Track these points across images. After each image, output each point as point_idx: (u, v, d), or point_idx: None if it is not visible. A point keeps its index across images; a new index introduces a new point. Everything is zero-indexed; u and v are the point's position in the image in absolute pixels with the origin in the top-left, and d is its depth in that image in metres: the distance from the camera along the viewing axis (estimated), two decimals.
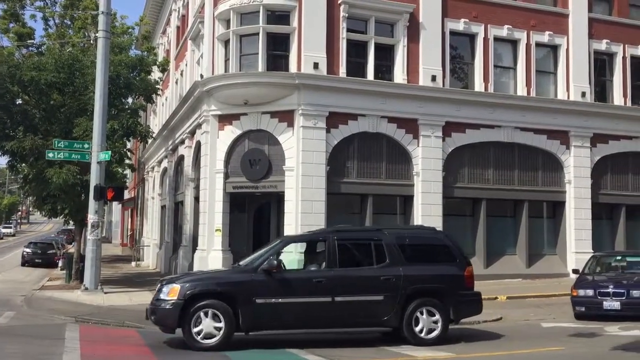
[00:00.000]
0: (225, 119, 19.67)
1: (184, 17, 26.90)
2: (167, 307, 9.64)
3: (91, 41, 21.93)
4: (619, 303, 12.94)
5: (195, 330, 9.53)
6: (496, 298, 17.09)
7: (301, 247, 11.19)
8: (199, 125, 20.57)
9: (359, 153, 19.77)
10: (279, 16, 19.64)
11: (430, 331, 10.31)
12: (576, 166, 21.86)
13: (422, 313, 10.29)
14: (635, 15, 23.77)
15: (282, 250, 10.41)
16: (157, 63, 24.31)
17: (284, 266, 10.24)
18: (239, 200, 20.21)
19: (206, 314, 9.55)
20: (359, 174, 19.71)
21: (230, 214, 19.59)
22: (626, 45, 23.16)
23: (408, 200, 20.23)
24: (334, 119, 19.18)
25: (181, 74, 26.48)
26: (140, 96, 22.57)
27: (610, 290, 13.18)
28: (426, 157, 20.05)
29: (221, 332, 9.54)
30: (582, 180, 21.88)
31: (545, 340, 11.14)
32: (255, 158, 19.28)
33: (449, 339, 10.68)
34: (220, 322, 9.55)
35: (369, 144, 19.85)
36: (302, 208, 18.50)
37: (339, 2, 19.50)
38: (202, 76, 20.40)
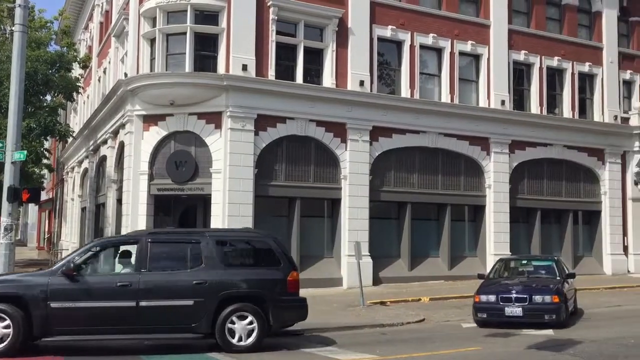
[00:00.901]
0: (150, 120, 19.18)
1: (108, 12, 26.03)
2: None
3: (7, 35, 20.85)
4: (521, 309, 12.57)
5: None
6: (420, 299, 17.52)
7: (115, 249, 10.68)
8: (123, 126, 19.96)
9: (288, 156, 19.76)
10: (207, 16, 19.35)
11: (245, 338, 9.89)
12: (496, 171, 22.75)
13: (237, 319, 9.90)
14: (551, 28, 25.01)
15: (93, 252, 10.10)
16: (78, 60, 23.42)
17: (88, 268, 9.91)
18: (164, 203, 19.74)
19: None
20: (287, 177, 19.70)
21: (155, 217, 19.10)
22: (543, 57, 24.32)
23: (336, 203, 20.40)
24: (262, 122, 19.08)
25: (104, 72, 25.60)
26: (59, 94, 21.67)
27: (513, 295, 12.78)
28: (354, 161, 20.29)
29: (9, 337, 9.19)
30: (501, 185, 22.79)
31: (465, 340, 11.50)
32: (182, 160, 18.90)
33: (367, 342, 10.81)
34: (9, 328, 9.21)
35: (298, 147, 19.88)
36: (230, 211, 18.30)
37: (268, 4, 19.43)
38: (126, 75, 19.81)
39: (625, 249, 25.54)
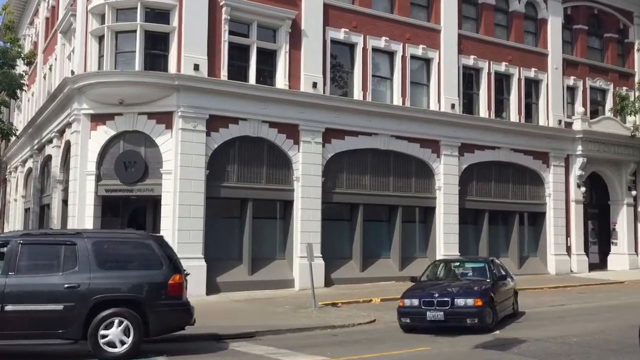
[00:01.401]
0: (98, 119, 18.72)
1: (54, 8, 25.29)
2: None
3: None
4: (442, 313, 12.23)
5: None
6: (371, 300, 17.70)
7: None
8: (69, 124, 19.41)
9: (240, 157, 19.62)
10: (158, 14, 19.03)
11: (119, 345, 9.53)
12: (446, 174, 23.17)
13: (111, 325, 9.54)
14: (499, 34, 25.65)
15: None
16: (23, 56, 22.64)
17: None
18: (112, 204, 19.32)
19: None
20: (239, 178, 19.55)
21: (103, 219, 18.66)
22: (491, 62, 24.92)
23: (288, 205, 20.38)
24: (214, 122, 18.89)
25: (50, 69, 24.86)
26: (2, 91, 20.92)
27: (435, 299, 12.47)
28: (306, 163, 20.32)
29: None
30: (451, 187, 23.23)
31: (415, 340, 11.67)
32: (131, 160, 18.52)
33: (318, 344, 10.84)
34: None
35: (250, 148, 19.77)
36: (180, 212, 18.04)
37: (221, 4, 19.25)
38: (73, 72, 19.30)
39: (569, 249, 26.42)
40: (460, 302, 12.34)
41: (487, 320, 12.43)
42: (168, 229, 17.95)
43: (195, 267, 17.85)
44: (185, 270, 10.59)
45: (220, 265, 18.78)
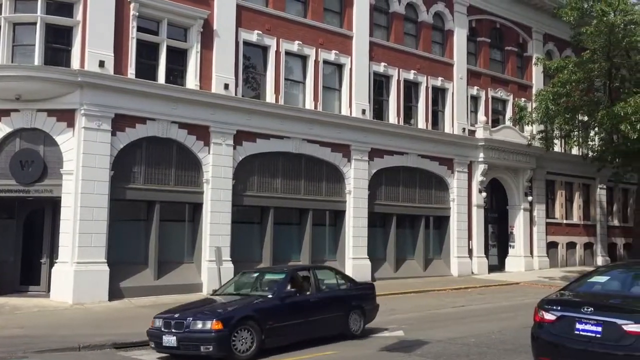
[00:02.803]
0: None
1: None
2: None
3: None
4: (175, 338, 10.19)
5: None
6: None
7: None
8: None
9: (147, 158, 19.02)
10: (61, 6, 18.10)
11: None
12: (356, 178, 23.57)
13: None
14: (409, 43, 26.42)
15: None
16: None
17: None
18: (6, 206, 18.16)
19: None
20: (146, 180, 18.95)
21: None
22: (400, 70, 25.63)
23: (197, 207, 19.98)
24: (120, 122, 18.20)
25: None
26: None
27: (173, 320, 10.42)
28: (217, 165, 20.01)
29: None
30: (361, 191, 23.66)
31: (319, 345, 11.72)
32: (28, 159, 17.49)
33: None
34: None
35: (158, 149, 19.22)
36: (82, 215, 17.23)
37: None
38: None
39: (470, 252, 27.62)
40: (197, 324, 10.17)
41: (235, 349, 10.17)
42: (68, 232, 17.14)
43: (96, 272, 17.20)
44: None
45: (125, 269, 18.12)
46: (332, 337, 12.01)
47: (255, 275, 13.11)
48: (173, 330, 10.28)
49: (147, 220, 19.10)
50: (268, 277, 12.63)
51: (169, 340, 10.25)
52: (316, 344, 11.53)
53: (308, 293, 12.01)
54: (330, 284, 12.95)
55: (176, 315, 10.56)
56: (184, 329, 10.20)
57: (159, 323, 10.63)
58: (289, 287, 11.64)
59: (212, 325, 10.08)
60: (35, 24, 17.53)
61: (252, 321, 10.52)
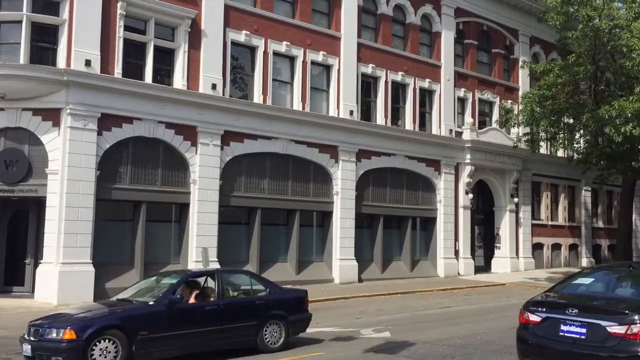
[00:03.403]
0: None
1: None
2: None
3: None
4: (30, 347, 9.53)
5: None
6: None
7: None
8: None
9: (134, 158, 18.91)
10: (47, 5, 17.94)
11: None
12: (343, 179, 23.59)
13: None
14: (397, 44, 26.51)
15: None
16: None
17: None
18: None
19: None
20: (133, 180, 18.84)
21: None
22: (388, 71, 25.69)
23: (184, 208, 19.90)
24: (107, 121, 18.09)
25: None
26: None
27: (33, 328, 9.75)
28: (204, 165, 19.94)
29: None
30: (348, 192, 23.68)
31: (310, 345, 11.76)
32: (13, 159, 17.33)
33: None
34: None
35: (145, 149, 19.11)
36: (67, 215, 17.09)
37: None
38: None
39: (457, 253, 27.74)
40: (51, 333, 9.43)
41: None
42: (53, 232, 17.00)
43: (82, 273, 17.08)
44: None
45: (110, 270, 17.99)
46: (248, 350, 10.93)
47: (155, 279, 11.93)
48: (31, 339, 9.61)
49: (133, 220, 18.99)
50: (165, 281, 11.29)
51: (26, 349, 9.62)
52: (224, 357, 10.54)
53: (212, 300, 10.89)
54: (244, 290, 11.75)
55: (38, 322, 9.87)
56: (39, 338, 9.49)
57: (33, 330, 9.78)
58: (178, 294, 10.52)
59: (63, 334, 9.27)
60: (20, 22, 17.37)
61: (118, 330, 9.51)
